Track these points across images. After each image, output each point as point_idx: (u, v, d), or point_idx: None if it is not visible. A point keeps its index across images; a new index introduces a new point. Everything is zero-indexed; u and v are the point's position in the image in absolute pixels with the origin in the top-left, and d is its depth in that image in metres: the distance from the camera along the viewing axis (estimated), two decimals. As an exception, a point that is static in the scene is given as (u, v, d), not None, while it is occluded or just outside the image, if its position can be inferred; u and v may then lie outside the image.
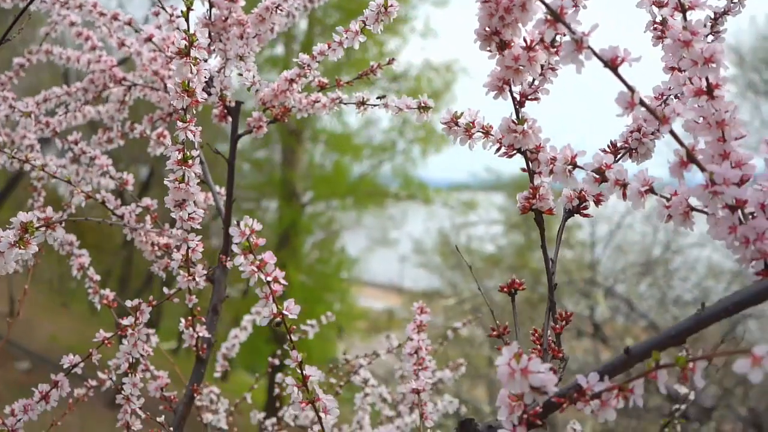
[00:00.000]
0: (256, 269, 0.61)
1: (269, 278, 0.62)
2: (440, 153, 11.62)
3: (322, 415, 0.64)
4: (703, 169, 0.51)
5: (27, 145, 1.27)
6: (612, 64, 0.50)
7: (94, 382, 1.13)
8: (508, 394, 0.53)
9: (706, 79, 0.53)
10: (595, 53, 0.50)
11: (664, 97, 0.68)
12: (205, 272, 0.91)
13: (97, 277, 1.10)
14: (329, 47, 0.91)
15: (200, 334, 0.96)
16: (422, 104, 0.84)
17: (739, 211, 0.52)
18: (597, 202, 0.67)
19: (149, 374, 1.02)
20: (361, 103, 0.94)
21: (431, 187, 11.58)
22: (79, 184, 1.00)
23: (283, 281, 0.62)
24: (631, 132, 0.68)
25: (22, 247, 0.67)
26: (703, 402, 6.05)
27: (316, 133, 12.13)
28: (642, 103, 0.50)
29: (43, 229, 0.67)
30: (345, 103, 0.96)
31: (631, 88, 0.50)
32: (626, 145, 0.68)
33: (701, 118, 0.54)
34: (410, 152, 12.04)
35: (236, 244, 0.60)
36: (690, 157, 0.51)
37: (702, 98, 0.54)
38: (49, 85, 1.25)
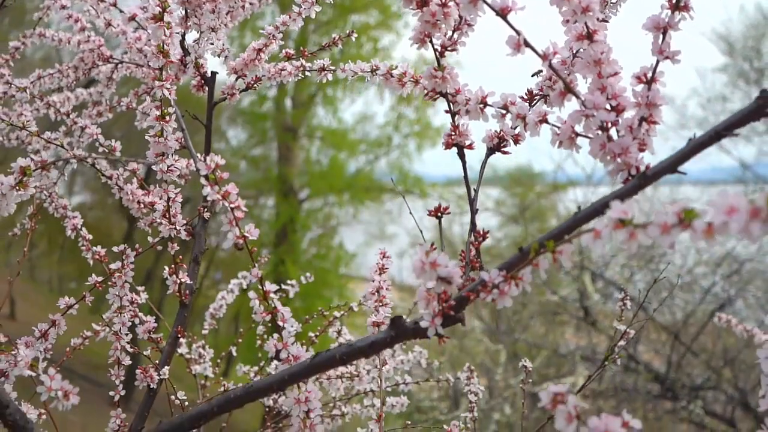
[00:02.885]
0: (221, 198, 0.72)
1: (233, 206, 0.73)
2: (436, 148, 11.73)
3: (280, 323, 0.75)
4: (578, 97, 0.62)
5: (23, 121, 1.37)
6: (502, 12, 0.61)
7: (89, 333, 1.24)
8: (425, 290, 0.64)
9: (585, 25, 0.64)
10: (487, 3, 0.61)
11: (575, 51, 0.79)
12: (185, 221, 1.02)
13: (90, 236, 1.21)
14: (290, 17, 1.02)
15: (182, 281, 1.07)
16: (374, 68, 0.95)
17: (613, 132, 0.63)
18: (515, 141, 0.77)
19: (138, 319, 1.13)
20: (322, 69, 1.05)
21: (427, 182, 11.68)
22: (72, 149, 1.11)
23: (244, 208, 0.73)
24: (545, 80, 0.79)
25: (21, 188, 0.78)
26: (692, 381, 6.18)
27: (311, 130, 12.23)
28: (526, 43, 0.61)
29: (39, 171, 0.78)
30: (308, 70, 1.07)
31: (517, 32, 0.61)
32: (541, 92, 0.79)
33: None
34: (406, 147, 12.15)
35: (203, 176, 0.71)
36: (567, 89, 0.62)
37: (584, 42, 0.65)
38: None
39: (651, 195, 8.06)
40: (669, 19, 0.62)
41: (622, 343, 1.21)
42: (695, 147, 0.57)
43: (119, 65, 1.30)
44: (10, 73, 1.25)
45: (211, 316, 1.56)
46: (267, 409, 1.47)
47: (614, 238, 0.50)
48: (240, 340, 1.59)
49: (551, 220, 10.63)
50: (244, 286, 1.61)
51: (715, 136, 0.56)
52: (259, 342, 1.39)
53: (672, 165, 0.58)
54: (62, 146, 1.09)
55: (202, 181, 0.72)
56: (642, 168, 0.61)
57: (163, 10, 0.81)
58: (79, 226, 1.23)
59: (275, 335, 0.76)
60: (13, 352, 0.76)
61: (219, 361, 1.50)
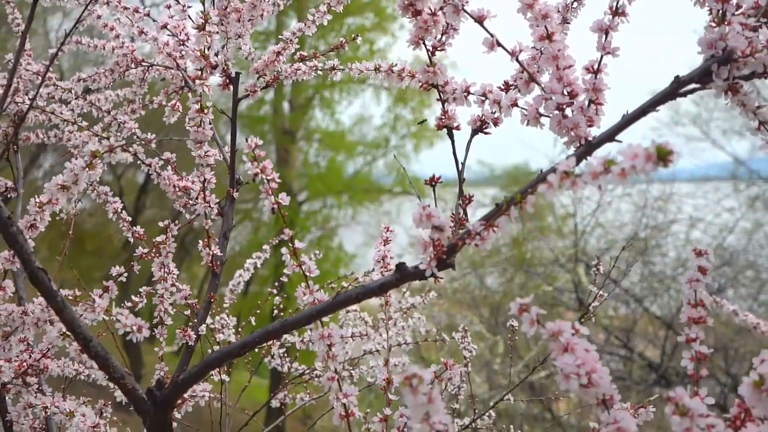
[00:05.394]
0: (259, 171, 0.89)
1: (269, 178, 0.90)
2: (433, 148, 11.91)
3: (307, 273, 0.92)
4: (539, 85, 0.79)
5: (64, 120, 1.55)
6: (479, 20, 0.79)
7: (129, 304, 1.41)
8: (422, 239, 0.82)
9: (546, 28, 0.81)
10: (468, 14, 0.78)
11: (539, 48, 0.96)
12: (218, 201, 1.19)
13: (129, 218, 1.38)
14: (306, 25, 1.20)
15: (214, 253, 1.25)
16: (377, 66, 1.12)
17: (568, 111, 0.80)
18: (495, 124, 0.95)
19: (176, 288, 1.30)
20: (332, 69, 1.23)
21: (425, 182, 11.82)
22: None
23: (277, 180, 0.91)
24: (518, 72, 0.96)
25: (90, 169, 0.96)
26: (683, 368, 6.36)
27: (309, 133, 12.41)
28: (498, 44, 0.78)
29: (107, 153, 0.96)
30: (320, 70, 1.25)
31: (491, 35, 0.79)
32: (515, 83, 0.96)
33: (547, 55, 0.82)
34: (403, 148, 12.34)
35: (245, 154, 0.89)
36: (531, 78, 0.80)
37: (545, 41, 0.82)
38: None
39: (644, 189, 8.27)
40: (610, 22, 0.80)
41: (595, 304, 1.38)
42: (628, 120, 0.74)
43: (150, 68, 1.47)
44: (57, 76, 1.42)
45: (231, 292, 1.74)
46: (283, 375, 1.64)
47: (561, 186, 0.67)
48: (258, 311, 1.76)
49: (548, 217, 10.82)
50: (258, 265, 1.78)
51: (642, 112, 0.74)
52: (276, 311, 1.56)
53: (610, 136, 0.75)
54: (108, 138, 1.26)
55: (244, 158, 0.89)
56: (590, 139, 0.78)
57: (205, 22, 0.98)
58: (119, 210, 1.40)
59: (302, 284, 0.93)
60: (89, 302, 0.93)
61: (240, 329, 1.67)
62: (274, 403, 1.70)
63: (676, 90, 0.73)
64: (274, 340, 1.74)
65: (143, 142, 1.36)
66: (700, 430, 0.60)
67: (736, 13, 0.74)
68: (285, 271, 0.94)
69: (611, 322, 6.99)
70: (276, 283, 1.72)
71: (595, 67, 0.80)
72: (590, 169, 0.62)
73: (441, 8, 0.84)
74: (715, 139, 9.21)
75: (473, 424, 1.47)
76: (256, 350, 1.68)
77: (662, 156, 0.56)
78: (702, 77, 0.71)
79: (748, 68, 0.72)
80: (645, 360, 6.21)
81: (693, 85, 0.73)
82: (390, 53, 11.60)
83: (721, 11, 0.72)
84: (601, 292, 1.42)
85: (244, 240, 11.95)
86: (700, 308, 0.78)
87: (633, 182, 7.85)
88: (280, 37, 1.22)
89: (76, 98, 1.44)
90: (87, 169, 0.96)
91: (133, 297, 1.39)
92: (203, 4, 1.01)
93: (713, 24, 0.72)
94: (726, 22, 0.71)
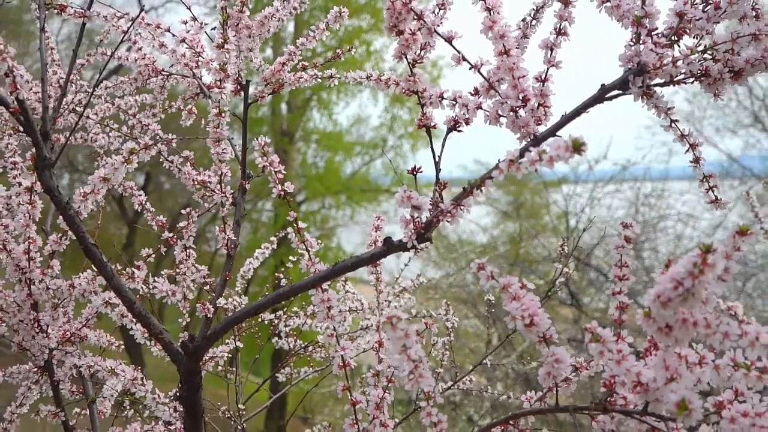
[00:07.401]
0: (268, 164, 1.08)
1: (276, 169, 1.09)
2: (430, 148, 12.07)
3: (309, 249, 1.11)
4: (496, 91, 0.98)
5: (97, 123, 1.73)
6: (449, 39, 0.98)
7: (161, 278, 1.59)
8: (404, 217, 1.00)
9: (503, 45, 1.00)
10: (439, 34, 0.97)
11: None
12: (233, 191, 1.38)
13: (153, 210, 1.57)
14: (307, 39, 1.39)
15: (229, 237, 1.43)
16: (368, 75, 1.31)
17: (522, 113, 0.99)
18: (466, 123, 1.13)
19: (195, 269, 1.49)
20: (331, 77, 1.42)
21: (422, 182, 12.00)
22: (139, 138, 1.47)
23: (283, 171, 1.09)
24: (482, 82, 1.15)
25: (128, 164, 1.14)
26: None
27: (307, 134, 12.58)
28: (463, 58, 0.97)
29: (143, 150, 1.15)
30: (320, 78, 1.44)
31: (458, 51, 0.98)
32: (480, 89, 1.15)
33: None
34: (401, 148, 12.51)
35: (255, 150, 1.08)
36: (490, 86, 0.99)
37: (503, 56, 1.01)
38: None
39: (636, 187, 8.47)
40: (554, 40, 0.99)
41: (561, 279, 1.57)
42: (566, 119, 0.93)
43: (169, 77, 1.66)
44: (88, 83, 1.61)
45: (242, 277, 1.92)
46: (288, 350, 1.83)
47: (510, 172, 0.86)
48: (266, 294, 1.94)
49: (545, 217, 11.01)
50: (267, 255, 1.97)
51: (576, 112, 0.93)
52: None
53: (552, 132, 0.94)
54: (135, 139, 1.45)
55: (255, 153, 1.08)
56: (537, 135, 0.97)
57: (225, 41, 1.17)
58: (144, 202, 1.59)
59: (305, 256, 1.12)
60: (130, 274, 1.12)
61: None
62: (281, 378, 1.89)
63: (602, 95, 0.92)
64: (281, 322, 1.93)
65: (165, 142, 1.55)
66: (611, 353, 0.79)
67: (654, 32, 0.93)
68: (290, 258, 1.12)
69: (603, 315, 7.19)
70: (282, 269, 1.91)
71: (543, 77, 0.99)
72: (528, 157, 0.82)
73: (419, 29, 1.03)
74: (708, 136, 9.38)
75: (455, 385, 1.66)
76: (265, 322, 1.87)
77: (576, 147, 0.75)
78: (621, 85, 0.91)
79: (659, 78, 0.91)
80: (637, 351, 6.39)
81: (616, 92, 0.92)
82: (386, 54, 11.79)
83: (636, 33, 0.91)
84: (566, 269, 1.61)
85: (244, 240, 12.12)
86: (625, 269, 0.97)
87: (621, 179, 8.04)
88: (284, 49, 1.41)
89: (105, 103, 1.63)
90: (125, 163, 1.14)
91: (164, 272, 1.58)
92: (221, 25, 1.20)
93: (631, 43, 0.91)
94: (641, 41, 0.91)
